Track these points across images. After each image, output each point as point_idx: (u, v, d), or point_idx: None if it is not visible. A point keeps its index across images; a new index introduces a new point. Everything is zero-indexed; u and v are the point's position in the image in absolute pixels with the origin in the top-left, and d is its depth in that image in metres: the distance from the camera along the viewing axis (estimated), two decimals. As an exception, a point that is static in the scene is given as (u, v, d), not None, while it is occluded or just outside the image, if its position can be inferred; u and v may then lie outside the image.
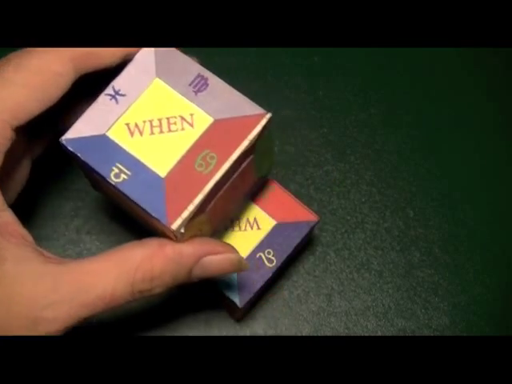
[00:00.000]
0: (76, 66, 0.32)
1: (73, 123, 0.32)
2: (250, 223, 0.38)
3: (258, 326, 0.41)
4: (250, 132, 0.31)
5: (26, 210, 0.42)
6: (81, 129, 0.31)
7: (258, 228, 0.38)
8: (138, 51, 0.33)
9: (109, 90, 0.32)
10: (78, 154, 0.31)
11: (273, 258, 0.37)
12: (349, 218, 0.43)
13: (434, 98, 0.46)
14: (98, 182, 0.33)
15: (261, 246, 0.37)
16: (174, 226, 0.30)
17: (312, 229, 0.38)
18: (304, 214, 0.38)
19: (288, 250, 0.37)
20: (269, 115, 0.31)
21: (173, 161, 0.31)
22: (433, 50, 0.46)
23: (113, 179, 0.31)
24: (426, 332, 0.41)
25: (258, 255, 0.37)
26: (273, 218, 0.38)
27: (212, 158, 0.31)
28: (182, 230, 0.30)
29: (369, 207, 0.43)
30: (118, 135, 0.31)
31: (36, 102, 0.31)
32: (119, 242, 0.42)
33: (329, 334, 0.41)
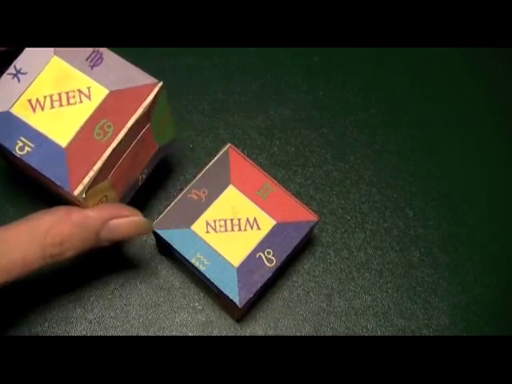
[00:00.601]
0: None
1: None
2: (249, 223, 0.38)
3: (258, 326, 0.41)
4: (143, 101, 0.33)
5: None
6: None
7: (258, 228, 0.38)
8: None
9: (11, 70, 0.34)
10: None
11: (273, 258, 0.37)
12: (349, 217, 0.43)
13: (434, 98, 0.46)
14: (6, 155, 0.35)
15: (261, 246, 0.37)
16: (76, 192, 0.32)
17: (312, 229, 0.38)
18: (304, 214, 0.38)
19: (288, 249, 0.37)
20: (160, 84, 0.34)
21: (72, 132, 0.33)
22: (433, 50, 0.46)
23: (17, 152, 0.33)
24: (426, 332, 0.41)
25: (257, 255, 0.37)
26: (273, 217, 0.38)
27: (109, 126, 0.33)
28: (84, 196, 0.33)
29: (369, 207, 0.43)
30: (20, 111, 0.34)
31: None
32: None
33: (329, 334, 0.41)
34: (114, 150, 0.33)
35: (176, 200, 0.38)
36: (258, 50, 0.46)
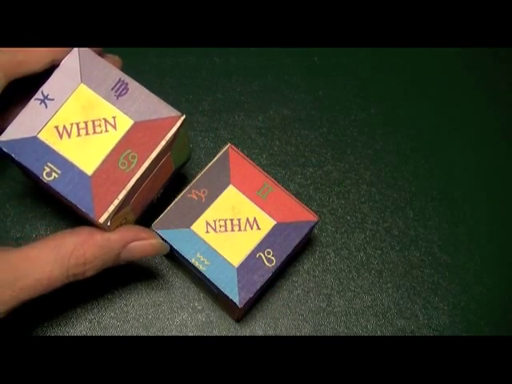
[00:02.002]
0: (5, 74, 0.34)
1: (9, 124, 0.35)
2: (249, 223, 0.38)
3: (258, 326, 0.41)
4: (166, 133, 0.34)
5: None
6: (14, 131, 0.35)
7: (258, 228, 0.38)
8: (64, 54, 0.35)
9: (38, 95, 0.35)
10: (12, 155, 0.34)
11: (272, 258, 0.37)
12: (348, 217, 0.43)
13: (434, 98, 0.46)
14: (30, 176, 0.36)
15: (260, 246, 0.37)
16: (102, 220, 0.33)
17: (312, 229, 0.38)
18: (304, 214, 0.38)
19: (288, 249, 0.37)
20: (183, 117, 0.35)
21: (98, 160, 0.34)
22: (433, 50, 0.46)
23: (45, 177, 0.34)
24: (426, 332, 0.41)
25: (257, 255, 0.37)
26: (272, 218, 0.38)
27: (133, 157, 0.34)
28: (109, 223, 0.34)
29: (369, 207, 0.43)
30: (48, 137, 0.35)
31: None
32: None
33: (328, 334, 0.41)
34: (137, 180, 0.34)
35: (176, 200, 0.38)
36: (258, 50, 0.46)
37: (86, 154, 0.34)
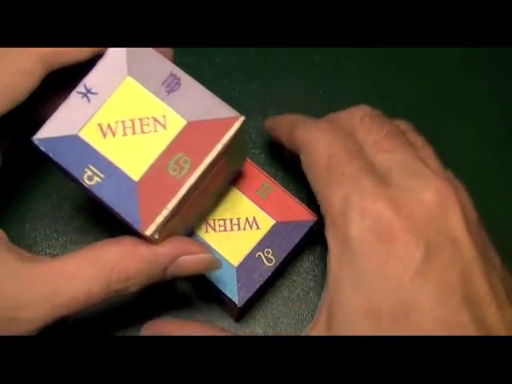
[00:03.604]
0: (45, 63, 0.31)
1: (48, 117, 0.31)
2: (249, 222, 0.38)
3: (258, 326, 0.41)
4: (223, 135, 0.31)
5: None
6: (53, 128, 0.31)
7: (258, 227, 0.38)
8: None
9: (80, 88, 0.31)
10: (50, 155, 0.31)
11: (272, 258, 0.37)
12: (349, 217, 0.43)
13: (434, 98, 0.46)
14: (69, 178, 0.33)
15: (260, 246, 0.37)
16: (148, 232, 0.30)
17: (311, 228, 0.38)
18: (303, 214, 0.38)
19: (287, 249, 0.37)
20: (242, 118, 0.31)
21: (146, 164, 0.31)
22: (433, 50, 0.46)
23: (86, 182, 0.31)
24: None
25: (257, 254, 0.37)
26: (272, 217, 0.38)
27: (185, 161, 0.30)
28: (156, 236, 0.30)
29: (369, 207, 0.43)
30: (90, 136, 0.31)
31: (3, 101, 0.31)
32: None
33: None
34: (189, 187, 0.31)
35: None
36: (257, 50, 0.46)
37: (133, 157, 0.30)
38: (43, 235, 0.42)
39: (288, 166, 0.44)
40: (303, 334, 0.33)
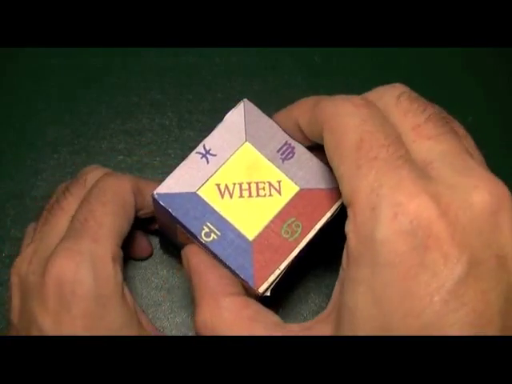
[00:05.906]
0: (136, 211, 0.35)
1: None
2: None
3: (258, 326, 0.41)
4: (332, 204, 0.33)
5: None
6: (172, 185, 0.33)
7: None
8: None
9: (200, 149, 0.33)
10: (170, 210, 0.32)
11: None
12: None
13: (434, 98, 0.46)
14: (172, 228, 0.34)
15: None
16: (261, 290, 0.32)
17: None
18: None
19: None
20: None
21: (261, 225, 0.32)
22: (433, 50, 0.46)
23: (204, 238, 0.32)
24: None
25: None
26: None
27: (297, 226, 0.32)
28: (268, 294, 0.32)
29: (369, 207, 0.43)
30: (208, 195, 0.33)
31: (128, 226, 0.35)
32: None
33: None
34: (300, 250, 0.32)
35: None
36: (258, 50, 0.46)
37: (248, 218, 0.32)
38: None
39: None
40: (308, 323, 0.33)
